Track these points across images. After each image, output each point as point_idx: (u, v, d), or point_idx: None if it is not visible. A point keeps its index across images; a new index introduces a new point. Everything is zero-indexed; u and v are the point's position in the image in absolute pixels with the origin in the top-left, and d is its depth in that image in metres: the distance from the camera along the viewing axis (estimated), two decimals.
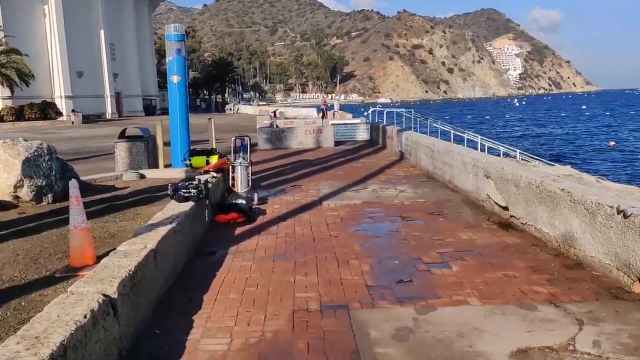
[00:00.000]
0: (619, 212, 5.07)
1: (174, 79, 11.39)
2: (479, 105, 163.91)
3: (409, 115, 22.15)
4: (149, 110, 64.27)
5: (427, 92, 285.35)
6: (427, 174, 12.66)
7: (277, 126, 23.08)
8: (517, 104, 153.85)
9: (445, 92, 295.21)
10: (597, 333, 4.12)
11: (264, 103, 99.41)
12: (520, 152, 15.56)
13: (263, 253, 6.57)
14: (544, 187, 6.63)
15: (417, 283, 5.39)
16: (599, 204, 5.45)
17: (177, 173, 10.24)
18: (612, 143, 43.15)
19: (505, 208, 7.92)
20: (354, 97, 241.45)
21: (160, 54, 70.45)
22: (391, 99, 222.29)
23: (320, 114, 35.83)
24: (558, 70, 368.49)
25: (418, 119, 22.23)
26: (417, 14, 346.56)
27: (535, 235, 6.91)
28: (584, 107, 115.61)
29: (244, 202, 8.64)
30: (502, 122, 77.14)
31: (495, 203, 8.26)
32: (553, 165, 14.21)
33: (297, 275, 5.67)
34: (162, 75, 64.74)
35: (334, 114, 41.30)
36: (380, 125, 20.91)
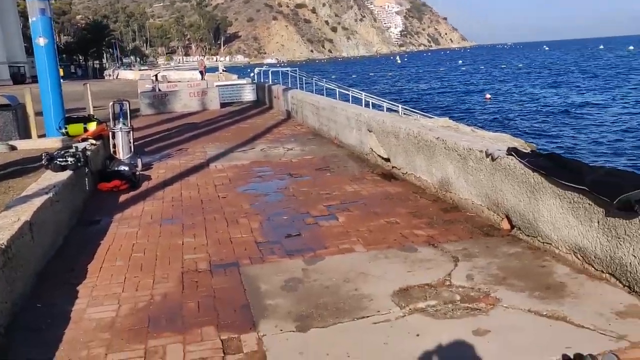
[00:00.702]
0: (487, 155, 5.44)
1: (40, 41, 10.60)
2: (363, 63, 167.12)
3: (294, 74, 22.17)
4: (18, 78, 59.22)
5: (312, 51, 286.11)
6: (314, 131, 12.83)
7: (159, 90, 22.24)
8: (399, 61, 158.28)
9: (330, 51, 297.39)
10: (470, 268, 4.46)
11: (146, 67, 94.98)
12: (402, 107, 16.07)
13: (149, 218, 6.42)
14: (421, 137, 6.96)
15: (306, 236, 5.52)
16: (470, 149, 5.82)
17: (52, 142, 9.65)
18: (488, 96, 45.73)
19: (388, 160, 8.24)
20: (240, 59, 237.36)
21: (26, 17, 65.03)
22: (277, 59, 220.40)
23: (201, 77, 35.20)
24: (436, 27, 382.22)
25: (304, 78, 22.33)
26: None
27: (415, 184, 7.27)
28: (460, 62, 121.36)
29: (127, 168, 8.35)
30: (385, 79, 79.27)
31: (378, 155, 8.56)
32: (432, 117, 14.84)
33: (185, 238, 5.62)
34: (30, 41, 59.83)
35: (218, 76, 40.49)
36: (266, 85, 20.81)
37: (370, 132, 8.87)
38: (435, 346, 3.27)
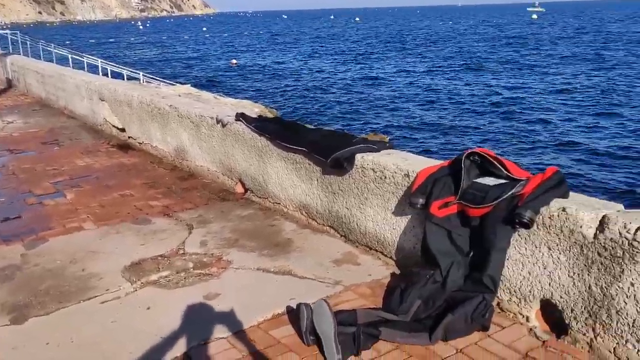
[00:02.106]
0: (217, 121, 5.49)
1: None
2: (101, 28, 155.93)
3: (15, 37, 19.81)
4: None
5: (41, 13, 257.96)
6: (41, 102, 11.67)
7: None
8: (142, 27, 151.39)
9: (62, 13, 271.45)
10: (204, 234, 4.50)
11: None
12: (143, 74, 15.54)
13: None
14: (155, 105, 6.75)
15: (27, 217, 5.01)
16: (202, 116, 5.82)
17: None
18: (234, 61, 46.53)
19: (123, 130, 7.86)
20: None
21: None
22: None
23: None
24: None
25: (28, 42, 20.08)
26: None
27: (152, 153, 7.07)
28: (204, 29, 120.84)
29: None
30: (127, 46, 75.37)
31: (113, 126, 8.11)
32: (174, 85, 14.58)
33: None
34: None
35: None
36: None
37: (102, 101, 8.34)
38: (166, 316, 3.23)
